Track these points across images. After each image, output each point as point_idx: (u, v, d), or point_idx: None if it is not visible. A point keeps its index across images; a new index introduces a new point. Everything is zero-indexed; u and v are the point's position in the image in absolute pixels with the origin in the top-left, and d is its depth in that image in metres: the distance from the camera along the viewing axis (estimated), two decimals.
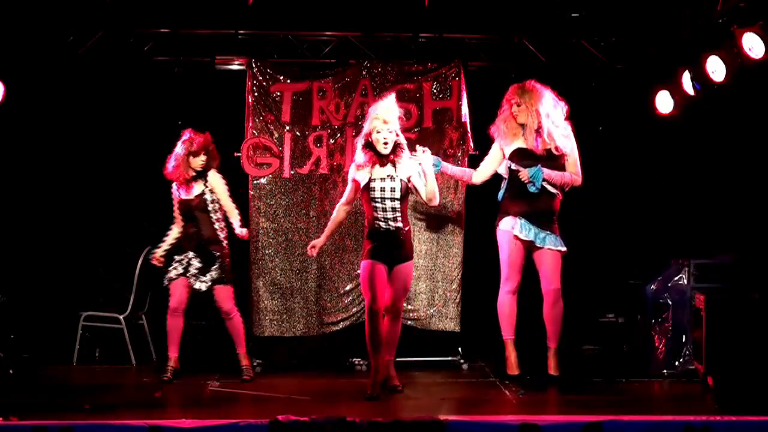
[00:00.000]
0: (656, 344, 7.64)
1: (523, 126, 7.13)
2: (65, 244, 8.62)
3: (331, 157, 7.98)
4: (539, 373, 7.15)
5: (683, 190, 8.57)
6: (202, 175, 7.31)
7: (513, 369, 7.19)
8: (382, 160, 6.65)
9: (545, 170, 7.00)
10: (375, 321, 6.64)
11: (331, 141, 8.00)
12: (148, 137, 8.20)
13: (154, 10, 7.77)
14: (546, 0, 7.82)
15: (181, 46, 8.08)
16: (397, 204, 6.66)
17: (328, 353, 7.98)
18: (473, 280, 8.11)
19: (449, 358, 8.01)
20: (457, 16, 7.89)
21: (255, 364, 7.78)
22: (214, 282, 7.25)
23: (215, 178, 7.32)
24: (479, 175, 7.39)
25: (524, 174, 7.01)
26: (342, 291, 7.97)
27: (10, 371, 7.31)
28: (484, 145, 7.65)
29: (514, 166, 7.13)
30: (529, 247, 7.12)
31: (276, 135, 7.97)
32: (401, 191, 6.65)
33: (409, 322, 7.86)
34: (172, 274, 7.28)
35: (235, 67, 8.21)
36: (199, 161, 7.27)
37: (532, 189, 7.01)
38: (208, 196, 7.30)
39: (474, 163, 7.86)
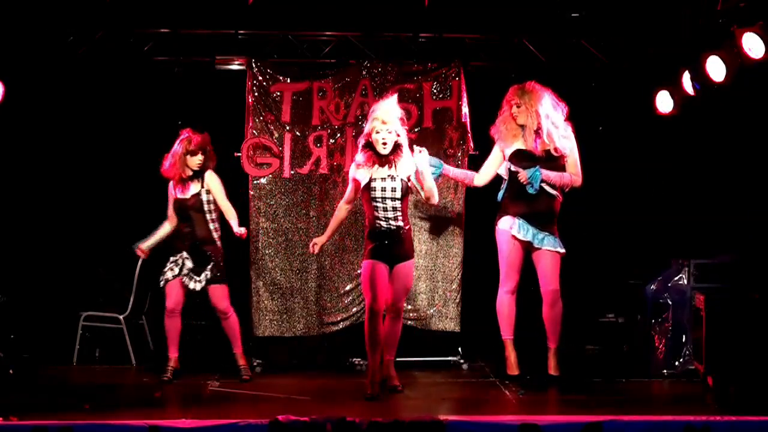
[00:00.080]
0: (656, 344, 7.64)
1: (522, 127, 7.13)
2: (65, 244, 8.62)
3: (331, 157, 7.98)
4: (539, 373, 7.15)
5: (683, 190, 8.57)
6: (198, 174, 7.32)
7: (513, 369, 7.19)
8: (382, 160, 6.66)
9: (543, 171, 7.01)
10: (375, 321, 6.64)
11: (331, 141, 8.00)
12: (148, 137, 8.19)
13: (154, 10, 7.77)
14: (546, 0, 7.82)
15: (181, 46, 8.08)
16: (397, 203, 6.67)
17: (328, 353, 7.98)
18: (473, 280, 8.11)
19: (449, 358, 8.01)
20: (457, 16, 7.89)
21: (255, 364, 7.79)
22: (209, 281, 7.25)
23: (212, 179, 7.33)
24: (481, 178, 7.39)
25: (522, 175, 7.01)
26: (342, 291, 7.97)
27: (10, 371, 7.31)
28: (484, 145, 7.65)
29: (513, 168, 7.14)
30: (528, 248, 7.13)
31: (276, 135, 7.97)
32: (402, 191, 6.67)
33: (409, 322, 7.86)
34: (168, 275, 7.27)
35: (235, 67, 8.20)
36: (196, 160, 7.27)
37: (530, 190, 7.01)
38: (204, 196, 7.30)
39: (474, 162, 7.87)
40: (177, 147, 7.27)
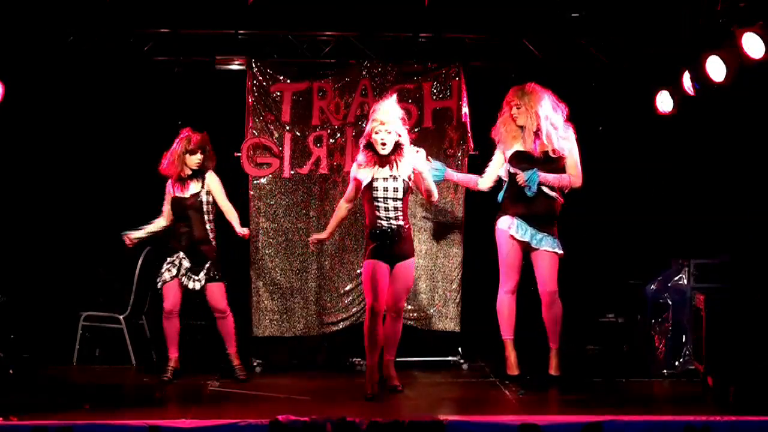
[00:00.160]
0: (656, 344, 7.64)
1: (522, 128, 7.13)
2: (65, 244, 8.62)
3: (331, 157, 7.98)
4: (539, 373, 7.15)
5: (683, 190, 8.56)
6: (198, 174, 7.32)
7: (513, 369, 7.19)
8: (382, 160, 6.67)
9: (541, 174, 7.00)
10: (375, 321, 6.65)
11: (331, 141, 8.00)
12: (148, 137, 8.19)
13: (154, 10, 7.76)
14: (546, 0, 7.82)
15: (181, 46, 8.07)
16: (399, 203, 6.68)
17: (328, 353, 7.99)
18: (473, 280, 8.11)
19: (449, 358, 8.01)
20: (457, 16, 7.88)
21: (255, 364, 7.80)
22: (208, 280, 7.26)
23: (213, 180, 7.34)
24: (485, 181, 7.38)
25: (520, 177, 7.01)
26: (342, 291, 7.97)
27: (10, 371, 7.30)
28: (484, 145, 7.65)
29: (512, 169, 7.14)
30: (527, 248, 7.12)
31: (276, 135, 7.97)
32: (403, 191, 6.68)
33: (410, 322, 7.86)
34: (166, 276, 7.27)
35: (235, 67, 8.20)
36: (195, 159, 7.28)
37: (528, 192, 7.01)
38: (204, 197, 7.31)
39: (474, 162, 7.88)
40: (176, 146, 7.29)
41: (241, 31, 8.00)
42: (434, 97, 8.04)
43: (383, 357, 6.89)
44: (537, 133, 7.07)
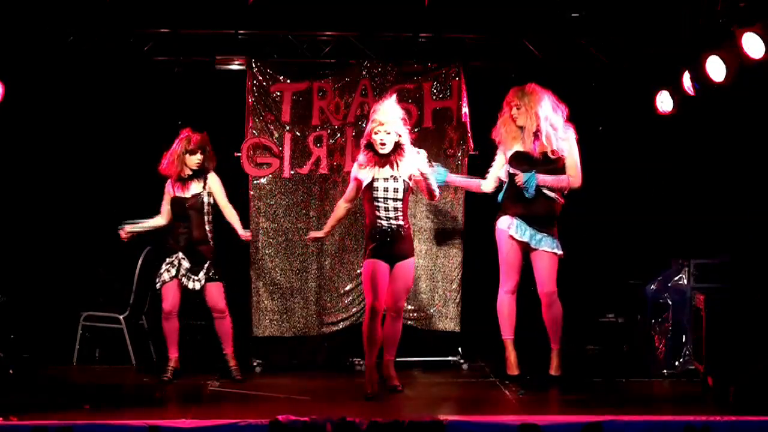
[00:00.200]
0: (656, 344, 7.64)
1: (522, 129, 7.12)
2: (65, 244, 8.62)
3: (331, 157, 7.98)
4: (539, 373, 7.15)
5: (683, 190, 8.56)
6: (199, 175, 7.33)
7: (513, 369, 7.19)
8: (383, 160, 6.67)
9: (539, 176, 6.99)
10: (374, 320, 6.65)
11: (331, 141, 8.00)
12: (148, 137, 8.19)
13: (154, 10, 7.76)
14: (546, 0, 7.81)
15: (181, 46, 8.07)
16: (399, 204, 6.69)
17: (328, 353, 7.98)
18: (473, 280, 8.11)
19: (449, 358, 8.01)
20: (457, 16, 7.88)
21: (255, 364, 7.80)
22: (208, 280, 7.26)
23: (214, 181, 7.35)
24: (488, 184, 7.35)
25: (519, 179, 7.01)
26: (342, 291, 7.97)
27: (10, 371, 7.30)
28: (484, 145, 7.65)
29: (511, 170, 7.13)
30: (526, 248, 7.12)
31: (276, 135, 7.97)
32: (403, 191, 6.69)
33: (410, 322, 7.86)
34: (165, 276, 7.26)
35: (235, 67, 8.20)
36: (195, 159, 7.28)
37: (527, 194, 7.00)
38: (205, 198, 7.31)
39: (474, 162, 7.89)
40: (176, 146, 7.29)
41: (241, 31, 8.00)
42: (434, 97, 8.03)
43: (383, 357, 6.89)
44: (536, 134, 7.06)
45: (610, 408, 6.09)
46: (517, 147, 7.14)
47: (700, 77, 7.39)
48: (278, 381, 7.35)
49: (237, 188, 7.79)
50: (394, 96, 6.86)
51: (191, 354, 7.74)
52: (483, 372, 7.76)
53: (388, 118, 6.65)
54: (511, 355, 7.21)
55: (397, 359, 7.04)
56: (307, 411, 5.72)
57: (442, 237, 8.00)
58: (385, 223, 6.70)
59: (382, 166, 6.69)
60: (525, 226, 7.07)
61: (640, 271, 8.11)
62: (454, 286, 7.98)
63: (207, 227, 7.34)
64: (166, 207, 7.41)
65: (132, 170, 8.36)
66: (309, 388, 7.02)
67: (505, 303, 7.18)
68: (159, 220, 7.43)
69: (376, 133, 6.65)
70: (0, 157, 8.32)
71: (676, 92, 7.92)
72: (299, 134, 8.00)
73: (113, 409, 6.21)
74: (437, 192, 6.84)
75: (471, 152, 7.95)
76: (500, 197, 7.26)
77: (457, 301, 7.97)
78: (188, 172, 7.32)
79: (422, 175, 6.71)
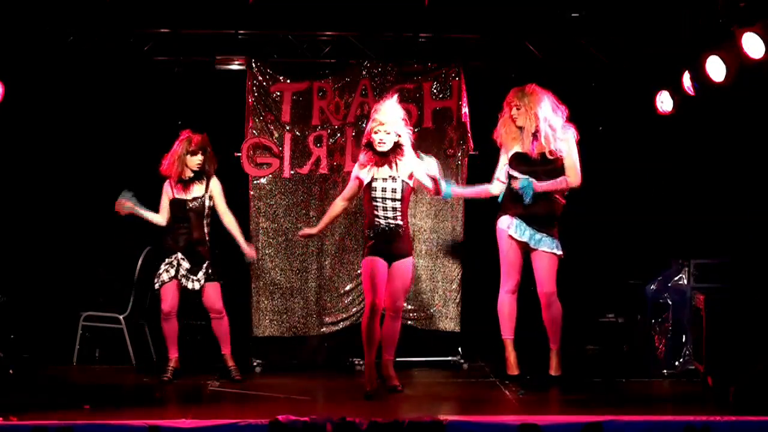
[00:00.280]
0: (656, 344, 7.64)
1: (521, 129, 7.11)
2: (65, 244, 8.62)
3: (331, 157, 7.98)
4: (539, 373, 7.15)
5: (683, 190, 8.56)
6: (201, 177, 7.32)
7: (513, 369, 7.19)
8: (382, 160, 6.68)
9: (536, 184, 6.95)
10: (373, 317, 6.66)
11: (331, 141, 8.00)
12: (148, 137, 8.19)
13: (154, 10, 7.76)
14: (546, 0, 7.81)
15: (181, 46, 8.07)
16: (397, 204, 6.69)
17: (328, 353, 7.98)
18: (473, 280, 8.11)
19: (449, 358, 8.01)
20: (457, 16, 7.88)
21: (255, 364, 7.80)
22: (207, 280, 7.26)
23: (216, 187, 7.36)
24: (496, 187, 7.28)
25: (515, 185, 6.99)
26: (342, 291, 7.97)
27: (10, 371, 7.30)
28: (484, 145, 7.65)
29: (511, 171, 7.12)
30: (526, 248, 7.11)
31: (276, 135, 7.97)
32: (402, 191, 6.69)
33: (409, 322, 7.86)
34: (164, 277, 7.26)
35: (235, 67, 8.20)
36: (196, 161, 7.28)
37: (525, 201, 6.98)
38: (206, 201, 7.33)
39: (474, 162, 7.89)
40: (176, 147, 7.29)
41: (241, 31, 8.00)
42: (434, 97, 8.04)
43: (382, 357, 6.88)
44: (535, 135, 7.04)
45: (610, 408, 6.08)
46: (517, 148, 7.12)
47: (700, 77, 7.39)
48: (278, 381, 7.34)
49: (237, 188, 7.79)
50: (396, 96, 6.87)
51: (191, 354, 7.74)
52: (483, 372, 7.76)
53: (389, 118, 6.66)
54: (511, 355, 7.20)
55: (397, 359, 7.03)
56: (307, 411, 5.72)
57: (442, 237, 7.99)
58: (383, 222, 6.71)
59: (381, 165, 6.70)
60: (524, 226, 7.06)
61: (640, 271, 8.11)
62: (454, 286, 7.97)
63: (205, 229, 7.35)
64: (164, 207, 7.39)
65: (132, 170, 8.34)
66: (309, 388, 7.02)
67: (506, 303, 7.17)
68: (159, 218, 7.40)
69: (375, 132, 6.66)
70: (0, 157, 8.32)
71: (676, 92, 7.92)
72: (299, 134, 8.00)
73: (113, 409, 6.20)
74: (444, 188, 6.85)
75: (471, 152, 7.95)
76: (500, 196, 7.25)
77: (457, 301, 7.97)
78: (189, 173, 7.32)
79: (435, 180, 6.72)
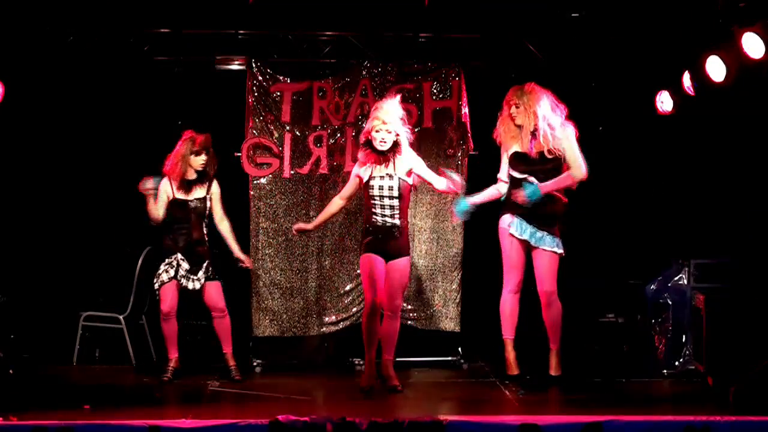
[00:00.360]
0: (656, 344, 7.64)
1: (520, 128, 7.10)
2: (65, 244, 8.62)
3: (331, 157, 7.98)
4: (539, 373, 7.15)
5: (683, 190, 8.55)
6: (203, 179, 7.32)
7: (512, 369, 7.18)
8: (380, 158, 6.70)
9: (541, 186, 6.92)
10: (373, 315, 6.69)
11: (331, 141, 8.00)
12: (148, 137, 8.20)
13: (154, 10, 7.76)
14: (546, 0, 7.81)
15: (181, 46, 8.07)
16: (395, 202, 6.71)
17: (328, 353, 7.99)
18: (473, 280, 8.11)
19: (449, 358, 8.01)
20: (457, 16, 7.87)
21: (255, 364, 7.80)
22: (207, 279, 7.26)
23: (216, 190, 7.38)
24: (503, 187, 7.24)
25: (521, 198, 6.91)
26: (342, 291, 7.97)
27: (10, 371, 7.30)
28: (484, 145, 7.65)
29: (512, 172, 7.10)
30: (528, 247, 7.11)
31: (276, 135, 7.98)
32: (399, 190, 6.70)
33: (409, 322, 7.86)
34: (164, 277, 7.26)
35: (235, 67, 8.21)
36: (199, 160, 7.28)
37: (529, 204, 6.96)
38: (208, 203, 7.34)
39: (474, 162, 7.89)
40: (180, 147, 7.29)
41: (242, 31, 8.00)
42: (434, 97, 8.04)
43: (382, 357, 6.88)
44: (534, 133, 7.03)
45: (610, 408, 6.08)
46: (516, 146, 7.11)
47: (700, 77, 7.39)
48: (278, 381, 7.35)
49: (237, 188, 7.79)
50: (399, 96, 6.90)
51: (191, 354, 7.74)
52: (483, 372, 7.76)
53: (391, 118, 6.69)
54: (511, 355, 7.20)
55: (397, 359, 7.04)
56: (307, 411, 5.72)
57: (442, 237, 7.99)
58: (380, 219, 6.73)
59: (379, 164, 6.72)
60: (525, 225, 7.05)
61: (640, 271, 8.11)
62: (454, 286, 7.98)
63: (204, 230, 7.36)
64: (162, 206, 7.37)
65: (132, 170, 8.33)
66: (309, 388, 7.02)
67: (508, 302, 7.15)
68: (157, 214, 7.34)
69: (377, 131, 6.68)
70: (0, 157, 8.32)
71: (676, 92, 7.92)
72: (299, 134, 8.01)
73: (113, 409, 6.20)
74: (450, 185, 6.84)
75: (471, 152, 7.96)
76: (503, 196, 7.24)
77: (457, 301, 7.97)
78: (192, 173, 7.31)
79: (451, 181, 6.75)
